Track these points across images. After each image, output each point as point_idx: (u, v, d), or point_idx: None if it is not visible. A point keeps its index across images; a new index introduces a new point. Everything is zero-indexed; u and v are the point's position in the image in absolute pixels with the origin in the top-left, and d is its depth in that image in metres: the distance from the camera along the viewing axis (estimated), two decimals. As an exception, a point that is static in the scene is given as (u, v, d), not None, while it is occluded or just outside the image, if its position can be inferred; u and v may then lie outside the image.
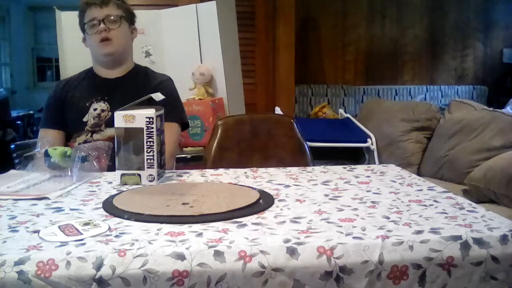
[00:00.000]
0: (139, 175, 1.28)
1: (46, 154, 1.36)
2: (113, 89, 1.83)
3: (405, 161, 3.31)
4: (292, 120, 1.94)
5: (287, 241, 0.83)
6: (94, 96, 1.82)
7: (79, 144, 1.75)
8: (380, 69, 5.42)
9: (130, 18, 1.87)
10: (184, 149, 2.65)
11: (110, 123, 1.75)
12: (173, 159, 1.82)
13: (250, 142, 1.90)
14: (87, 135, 1.79)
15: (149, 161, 1.28)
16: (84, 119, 1.80)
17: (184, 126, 1.90)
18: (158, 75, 1.93)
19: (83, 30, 1.84)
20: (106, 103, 1.80)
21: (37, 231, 0.89)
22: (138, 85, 1.83)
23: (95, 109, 1.80)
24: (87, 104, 1.81)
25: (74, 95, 1.85)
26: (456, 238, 0.84)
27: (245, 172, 1.43)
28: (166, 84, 1.87)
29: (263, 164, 1.54)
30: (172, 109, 1.74)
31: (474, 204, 1.05)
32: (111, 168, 1.39)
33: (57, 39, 2.90)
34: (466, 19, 5.49)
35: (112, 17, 1.79)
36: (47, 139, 1.65)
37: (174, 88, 1.90)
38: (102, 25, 1.77)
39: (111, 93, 1.82)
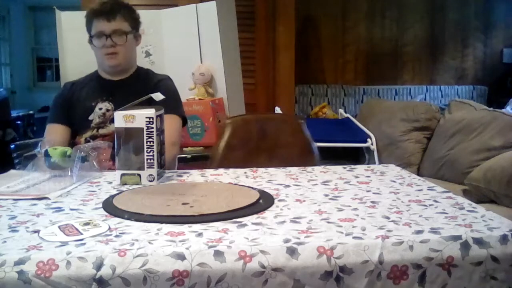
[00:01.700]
0: (139, 175, 1.28)
1: (46, 154, 1.36)
2: (117, 90, 1.89)
3: (405, 161, 3.30)
4: (301, 121, 1.95)
5: (287, 241, 0.83)
6: (100, 97, 1.89)
7: (85, 139, 1.84)
8: (380, 69, 5.41)
9: (136, 27, 1.90)
10: (184, 149, 2.64)
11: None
12: (176, 147, 1.86)
13: (257, 141, 1.90)
14: (93, 131, 1.86)
15: (149, 161, 1.28)
16: (90, 118, 1.87)
17: (184, 121, 1.94)
18: (158, 75, 1.99)
19: (89, 33, 1.87)
20: (110, 103, 1.87)
21: (37, 231, 0.89)
22: (140, 85, 1.88)
23: (100, 109, 1.87)
24: (93, 104, 1.88)
25: (80, 95, 1.92)
26: (456, 238, 0.84)
27: (245, 172, 1.43)
28: (165, 82, 1.94)
29: (270, 164, 1.54)
30: (173, 103, 1.81)
31: (474, 204, 1.06)
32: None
33: (57, 39, 2.90)
34: (466, 19, 5.49)
35: (119, 32, 1.82)
36: (51, 138, 1.73)
37: (173, 85, 1.96)
38: (109, 41, 1.81)
39: (115, 94, 1.88)
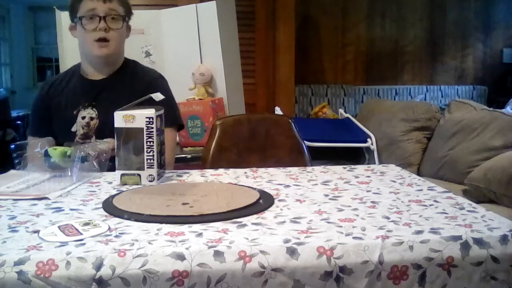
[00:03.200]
0: (139, 175, 1.28)
1: (46, 154, 1.36)
2: (100, 92, 1.72)
3: (405, 161, 3.31)
4: (290, 120, 1.94)
5: (287, 241, 0.83)
6: (81, 103, 1.71)
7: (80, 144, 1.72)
8: (380, 69, 5.42)
9: (129, 17, 1.74)
10: (184, 149, 2.65)
11: (99, 133, 1.67)
12: (171, 166, 1.72)
13: (248, 142, 1.90)
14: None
15: (149, 161, 1.28)
16: (73, 129, 1.70)
17: (180, 127, 1.83)
18: (148, 71, 1.82)
19: (73, 18, 1.68)
20: (94, 109, 1.70)
21: (37, 231, 0.89)
22: (127, 85, 1.72)
23: (83, 117, 1.70)
24: (74, 113, 1.70)
25: (60, 102, 1.74)
26: (456, 238, 0.84)
27: (245, 172, 1.43)
28: (158, 84, 1.74)
29: (261, 164, 1.54)
30: (167, 112, 1.56)
31: (474, 204, 1.05)
32: (111, 168, 1.39)
33: (57, 39, 2.91)
34: (466, 19, 5.49)
35: (115, 15, 1.64)
36: (48, 139, 1.64)
37: (167, 88, 1.78)
38: (102, 24, 1.61)
39: (98, 97, 1.71)
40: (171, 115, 1.67)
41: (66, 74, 1.82)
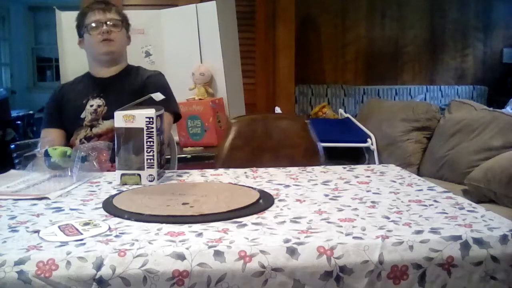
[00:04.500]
0: (139, 175, 1.28)
1: (46, 154, 1.36)
2: (108, 86, 1.91)
3: (405, 161, 3.30)
4: (306, 121, 1.95)
5: (287, 241, 0.83)
6: (90, 94, 1.90)
7: (80, 140, 1.83)
8: (380, 69, 5.42)
9: (127, 27, 1.98)
10: (184, 149, 2.65)
11: (107, 117, 1.85)
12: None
13: (263, 141, 1.90)
14: (86, 130, 1.86)
15: (149, 161, 1.28)
16: (82, 116, 1.88)
17: (177, 117, 1.95)
18: (148, 71, 2.01)
19: (80, 32, 1.94)
20: (101, 99, 1.89)
21: (37, 231, 0.89)
22: (130, 82, 1.92)
23: (91, 105, 1.88)
24: (84, 102, 1.89)
25: (71, 95, 1.95)
26: (456, 238, 0.84)
27: (245, 172, 1.43)
28: (155, 78, 1.95)
29: (275, 164, 1.54)
30: (164, 99, 1.68)
31: (474, 204, 1.06)
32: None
33: (57, 39, 2.90)
34: (466, 19, 5.49)
35: (114, 21, 1.91)
36: (48, 139, 1.71)
37: (164, 80, 1.97)
38: (105, 27, 1.88)
39: (105, 90, 1.90)
40: (167, 102, 1.77)
41: (76, 78, 2.04)
